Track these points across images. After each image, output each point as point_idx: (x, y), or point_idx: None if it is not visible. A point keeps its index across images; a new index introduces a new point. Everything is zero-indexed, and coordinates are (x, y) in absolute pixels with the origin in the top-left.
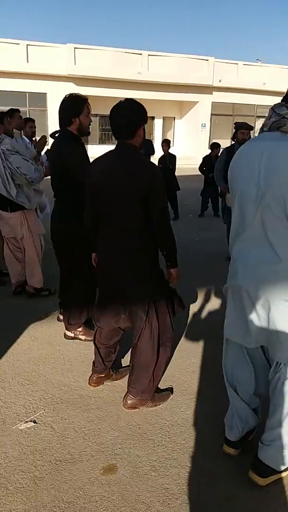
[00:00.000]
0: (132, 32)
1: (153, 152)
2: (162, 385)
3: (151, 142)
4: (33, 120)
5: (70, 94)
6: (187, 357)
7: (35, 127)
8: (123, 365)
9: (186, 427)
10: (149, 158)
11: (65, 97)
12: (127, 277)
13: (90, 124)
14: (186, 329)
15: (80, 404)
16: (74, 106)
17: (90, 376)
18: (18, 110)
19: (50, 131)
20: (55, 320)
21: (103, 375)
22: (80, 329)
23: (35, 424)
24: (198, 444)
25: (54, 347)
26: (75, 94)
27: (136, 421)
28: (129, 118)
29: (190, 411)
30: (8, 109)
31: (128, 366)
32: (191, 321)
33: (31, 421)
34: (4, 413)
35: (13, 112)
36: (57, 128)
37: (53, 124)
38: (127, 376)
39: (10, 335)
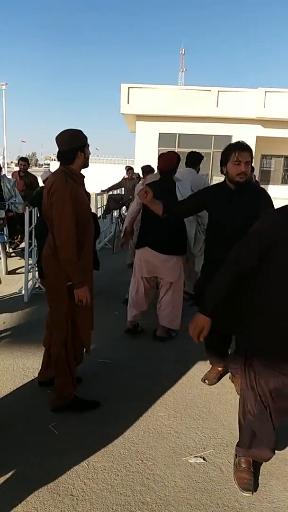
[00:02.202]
0: None
1: None
2: None
3: None
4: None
5: None
6: None
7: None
8: None
9: None
10: None
11: None
12: None
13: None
14: None
15: None
16: None
17: None
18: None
19: None
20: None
21: None
22: None
23: (205, 461)
24: None
25: (226, 388)
26: None
27: None
28: None
29: None
30: (189, 151)
31: None
32: None
33: (200, 457)
34: (175, 442)
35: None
36: None
37: None
38: None
39: (182, 367)
